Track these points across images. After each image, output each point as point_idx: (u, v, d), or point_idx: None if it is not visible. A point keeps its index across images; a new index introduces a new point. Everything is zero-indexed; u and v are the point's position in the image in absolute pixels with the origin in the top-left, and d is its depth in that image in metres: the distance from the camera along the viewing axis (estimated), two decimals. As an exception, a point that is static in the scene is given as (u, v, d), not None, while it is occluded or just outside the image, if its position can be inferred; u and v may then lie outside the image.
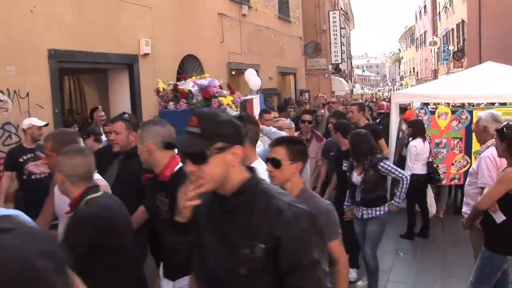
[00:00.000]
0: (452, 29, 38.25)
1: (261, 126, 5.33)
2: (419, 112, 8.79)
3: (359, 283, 6.07)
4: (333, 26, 27.74)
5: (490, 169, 4.69)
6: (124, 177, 4.29)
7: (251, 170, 2.06)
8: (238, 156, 1.94)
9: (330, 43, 27.52)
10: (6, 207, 5.71)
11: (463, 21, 34.13)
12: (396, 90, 49.29)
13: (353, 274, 6.14)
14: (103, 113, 8.73)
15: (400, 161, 8.50)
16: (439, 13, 44.52)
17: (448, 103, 9.65)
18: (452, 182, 8.87)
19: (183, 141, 1.97)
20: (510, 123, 4.50)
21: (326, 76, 26.74)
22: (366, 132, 5.84)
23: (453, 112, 8.72)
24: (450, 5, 38.91)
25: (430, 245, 7.73)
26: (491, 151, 4.71)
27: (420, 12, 56.33)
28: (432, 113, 8.77)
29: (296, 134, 7.20)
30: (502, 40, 27.57)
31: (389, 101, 10.73)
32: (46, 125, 6.47)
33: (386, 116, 10.83)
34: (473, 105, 9.87)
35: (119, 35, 9.36)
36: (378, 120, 11.10)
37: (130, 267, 3.11)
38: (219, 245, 1.99)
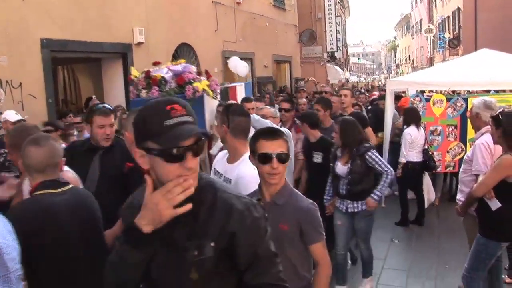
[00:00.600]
0: (448, 17, 38.17)
1: None
2: (414, 99, 8.77)
3: None
4: (329, 14, 27.64)
5: (484, 157, 4.69)
6: (108, 172, 4.05)
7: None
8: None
9: (326, 31, 27.45)
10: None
11: (458, 9, 34.07)
12: (392, 78, 49.34)
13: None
14: (98, 102, 8.66)
15: (391, 149, 8.71)
16: (435, 0, 44.41)
17: (444, 91, 9.63)
18: (447, 170, 8.88)
19: (194, 129, 1.69)
20: (505, 109, 4.50)
21: (322, 64, 26.69)
22: (354, 119, 5.59)
23: (448, 100, 8.70)
24: (446, -8, 38.81)
25: (425, 232, 7.75)
26: (486, 138, 4.71)
27: (416, 0, 56.18)
28: (428, 100, 8.75)
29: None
30: (498, 27, 27.54)
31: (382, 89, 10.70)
32: (20, 121, 6.05)
33: (376, 104, 10.85)
34: (469, 92, 9.86)
35: (112, 24, 9.30)
36: (369, 108, 11.06)
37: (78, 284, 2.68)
38: (168, 254, 1.77)
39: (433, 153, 8.53)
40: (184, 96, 5.43)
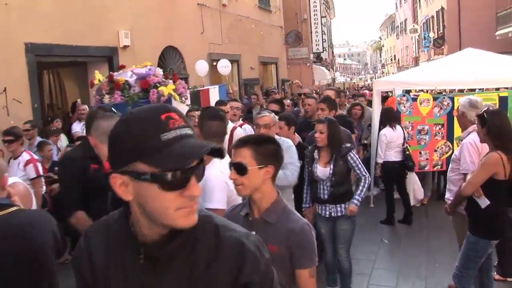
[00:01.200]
0: (432, 17, 38.48)
1: None
2: (401, 99, 8.81)
3: None
4: (314, 15, 27.71)
5: (472, 155, 4.72)
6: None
7: None
8: None
9: (311, 32, 27.51)
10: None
11: (442, 8, 34.35)
12: (378, 78, 49.62)
13: None
14: (84, 106, 8.58)
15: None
16: (419, 0, 44.73)
17: (430, 90, 9.69)
18: (435, 168, 8.93)
19: (202, 145, 1.29)
20: (490, 108, 4.53)
21: (308, 65, 26.74)
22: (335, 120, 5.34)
23: (434, 99, 8.75)
24: (429, -8, 39.12)
25: (414, 231, 7.78)
26: (472, 137, 4.74)
27: (400, 0, 56.53)
28: (414, 100, 8.79)
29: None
30: (481, 26, 27.83)
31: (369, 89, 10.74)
32: None
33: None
34: (455, 91, 9.93)
35: (98, 27, 9.24)
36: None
37: None
38: None
39: (421, 152, 8.61)
40: (148, 101, 5.14)
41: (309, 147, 5.34)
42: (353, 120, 8.10)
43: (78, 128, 8.13)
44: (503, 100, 8.37)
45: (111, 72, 5.68)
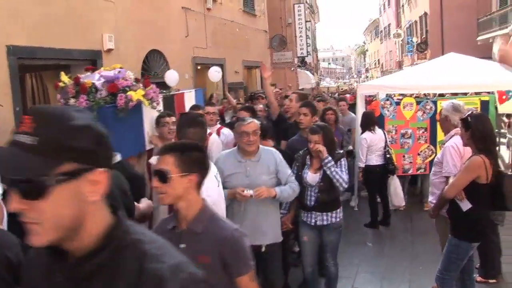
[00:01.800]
0: (416, 21, 38.86)
1: None
2: (384, 103, 8.87)
3: None
4: (298, 19, 27.82)
5: (454, 158, 4.78)
6: None
7: (115, 210, 1.34)
8: (100, 187, 1.24)
9: (296, 36, 27.60)
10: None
11: (425, 13, 34.72)
12: (362, 82, 49.91)
13: None
14: None
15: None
16: (403, 5, 45.16)
17: (413, 94, 9.77)
18: (418, 172, 9.00)
19: (2, 158, 1.16)
20: (473, 112, 4.59)
21: (292, 69, 26.80)
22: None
23: (418, 103, 8.83)
24: (413, -2, 39.50)
25: (398, 234, 7.83)
26: (455, 141, 4.80)
27: (384, 4, 57.04)
28: (398, 104, 8.87)
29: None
30: (463, 31, 28.16)
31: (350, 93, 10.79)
32: None
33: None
34: (437, 95, 10.03)
35: (81, 30, 9.17)
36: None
37: None
38: None
39: (403, 156, 8.69)
40: (115, 106, 4.78)
41: (300, 152, 5.17)
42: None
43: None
44: (484, 104, 8.49)
45: (78, 74, 5.24)
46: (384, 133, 8.31)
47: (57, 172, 1.15)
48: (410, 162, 8.80)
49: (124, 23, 10.52)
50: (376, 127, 8.20)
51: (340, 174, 4.76)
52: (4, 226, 2.49)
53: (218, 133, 6.36)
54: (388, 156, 8.15)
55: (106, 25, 9.92)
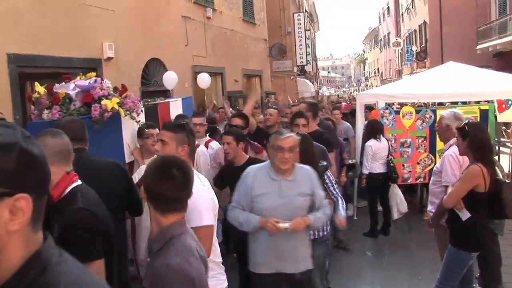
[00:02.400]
0: (415, 30, 38.99)
1: None
2: (384, 112, 8.88)
3: None
4: (298, 28, 27.89)
5: (453, 167, 4.78)
6: None
7: (45, 237, 1.18)
8: (22, 215, 1.08)
9: (295, 45, 27.66)
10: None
11: (425, 22, 34.84)
12: (361, 91, 49.96)
13: None
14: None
15: None
16: (402, 14, 45.33)
17: (413, 103, 9.78)
18: (418, 181, 8.99)
19: None
20: (471, 121, 4.59)
21: (292, 78, 26.86)
22: (308, 135, 5.05)
23: (417, 112, 8.84)
24: (412, 7, 39.66)
25: (398, 244, 7.80)
26: (454, 150, 4.79)
27: (384, 13, 57.22)
28: (397, 113, 8.87)
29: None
30: (462, 40, 28.26)
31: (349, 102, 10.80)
32: None
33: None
34: (438, 104, 10.04)
35: (81, 38, 9.20)
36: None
37: None
38: None
39: (403, 165, 8.68)
40: (90, 117, 4.46)
41: None
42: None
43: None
44: (484, 113, 8.48)
45: (51, 84, 4.92)
46: (388, 142, 8.32)
47: None
48: (410, 171, 8.79)
49: (124, 31, 10.55)
50: (381, 136, 8.23)
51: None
52: None
53: (206, 145, 6.16)
54: (392, 165, 8.18)
55: (106, 34, 9.94)
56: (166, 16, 12.72)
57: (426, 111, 8.82)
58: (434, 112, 8.66)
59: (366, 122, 8.77)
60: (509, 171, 9.97)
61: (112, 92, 4.84)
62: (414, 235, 8.07)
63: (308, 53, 29.18)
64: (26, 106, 10.98)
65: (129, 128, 4.94)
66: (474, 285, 5.13)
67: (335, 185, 4.89)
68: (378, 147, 8.08)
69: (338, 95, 43.78)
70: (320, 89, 58.43)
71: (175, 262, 2.22)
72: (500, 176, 4.66)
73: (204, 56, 14.94)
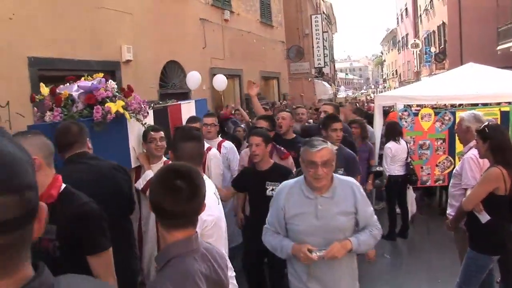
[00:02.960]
0: (434, 31, 38.60)
1: None
2: (402, 114, 8.82)
3: None
4: (316, 30, 27.85)
5: (473, 170, 4.72)
6: None
7: (38, 266, 1.04)
8: None
9: (313, 47, 27.63)
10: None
11: (444, 23, 34.48)
12: (379, 92, 49.70)
13: None
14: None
15: None
16: (420, 15, 44.93)
17: (432, 105, 9.70)
18: (437, 183, 8.91)
19: None
20: (491, 123, 4.54)
21: (309, 80, 26.80)
22: None
23: (436, 114, 8.76)
24: (431, 8, 39.30)
25: (416, 247, 7.74)
26: (474, 152, 4.73)
27: (402, 15, 56.80)
28: (416, 114, 8.81)
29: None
30: (482, 41, 27.91)
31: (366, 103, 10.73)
32: None
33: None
34: (456, 106, 9.95)
35: (100, 41, 9.28)
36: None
37: None
38: None
39: (422, 167, 8.61)
40: (92, 119, 4.27)
41: (293, 172, 4.71)
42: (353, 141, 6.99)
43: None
44: (504, 115, 8.39)
45: (54, 85, 4.75)
46: (407, 144, 8.26)
47: None
48: (428, 174, 8.71)
49: (143, 34, 10.62)
50: (401, 138, 8.16)
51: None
52: None
53: (219, 147, 6.05)
54: (411, 167, 8.12)
55: (125, 36, 10.02)
56: (184, 18, 12.78)
57: (445, 113, 8.74)
58: (454, 114, 8.59)
59: (386, 124, 8.71)
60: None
61: (118, 94, 4.64)
62: (433, 238, 7.99)
63: (325, 55, 29.11)
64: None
65: (135, 132, 4.74)
66: (495, 289, 5.06)
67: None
68: (397, 149, 8.03)
69: (356, 97, 43.46)
70: (338, 91, 58.24)
71: (162, 286, 2.02)
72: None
73: (221, 58, 14.98)
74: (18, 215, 0.95)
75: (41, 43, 7.93)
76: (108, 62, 9.57)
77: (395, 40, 64.83)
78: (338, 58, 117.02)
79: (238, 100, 15.94)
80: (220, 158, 5.78)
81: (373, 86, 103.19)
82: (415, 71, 46.97)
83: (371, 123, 9.50)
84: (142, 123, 4.71)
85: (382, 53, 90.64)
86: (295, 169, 5.24)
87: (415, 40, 44.43)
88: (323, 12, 36.83)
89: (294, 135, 6.39)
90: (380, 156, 8.74)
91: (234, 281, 3.19)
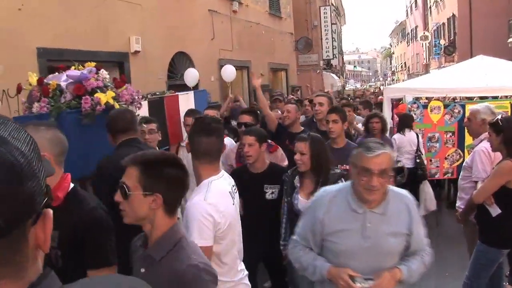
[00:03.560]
0: (443, 24, 38.34)
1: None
2: (411, 106, 8.77)
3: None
4: (324, 21, 27.73)
5: (484, 163, 4.69)
6: None
7: (43, 276, 0.92)
8: None
9: (322, 39, 27.52)
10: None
11: (453, 15, 34.22)
12: (388, 85, 49.50)
13: None
14: None
15: None
16: (430, 7, 44.64)
17: (441, 97, 9.64)
18: (445, 176, 8.86)
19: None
20: (503, 115, 4.50)
21: (318, 72, 26.73)
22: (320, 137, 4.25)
23: (445, 106, 8.70)
24: (440, 0, 39.03)
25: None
26: (485, 145, 4.70)
27: (411, 6, 56.46)
28: (425, 107, 8.75)
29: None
30: (493, 33, 27.68)
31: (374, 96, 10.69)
32: None
33: None
34: (466, 99, 9.88)
35: (108, 32, 9.28)
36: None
37: None
38: None
39: (431, 160, 8.56)
40: (80, 111, 4.03)
41: (288, 171, 4.32)
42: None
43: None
44: (515, 108, 8.31)
45: (42, 76, 4.52)
46: (418, 136, 8.17)
47: None
48: (437, 166, 8.66)
49: (151, 25, 10.61)
50: (407, 130, 8.09)
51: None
52: None
53: None
54: (418, 160, 8.03)
55: (133, 28, 10.02)
56: (192, 10, 12.76)
57: (455, 105, 8.68)
58: (463, 106, 8.52)
59: (400, 115, 8.63)
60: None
61: (109, 84, 4.42)
62: (442, 231, 7.96)
63: (334, 47, 29.01)
64: (55, 99, 11.12)
65: None
66: (505, 283, 5.03)
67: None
68: (402, 141, 7.98)
69: (365, 89, 43.22)
70: (346, 83, 58.06)
71: (193, 265, 2.00)
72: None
73: (230, 49, 14.95)
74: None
75: (50, 33, 7.94)
76: (116, 53, 9.57)
77: (404, 33, 64.46)
78: (347, 50, 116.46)
79: (237, 90, 15.92)
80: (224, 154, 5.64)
81: (381, 79, 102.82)
82: (424, 63, 46.69)
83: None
84: (136, 115, 4.39)
85: (390, 45, 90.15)
86: (286, 162, 5.00)
87: (424, 33, 44.16)
88: (332, 4, 36.64)
89: (302, 128, 5.98)
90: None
91: (247, 281, 3.06)
